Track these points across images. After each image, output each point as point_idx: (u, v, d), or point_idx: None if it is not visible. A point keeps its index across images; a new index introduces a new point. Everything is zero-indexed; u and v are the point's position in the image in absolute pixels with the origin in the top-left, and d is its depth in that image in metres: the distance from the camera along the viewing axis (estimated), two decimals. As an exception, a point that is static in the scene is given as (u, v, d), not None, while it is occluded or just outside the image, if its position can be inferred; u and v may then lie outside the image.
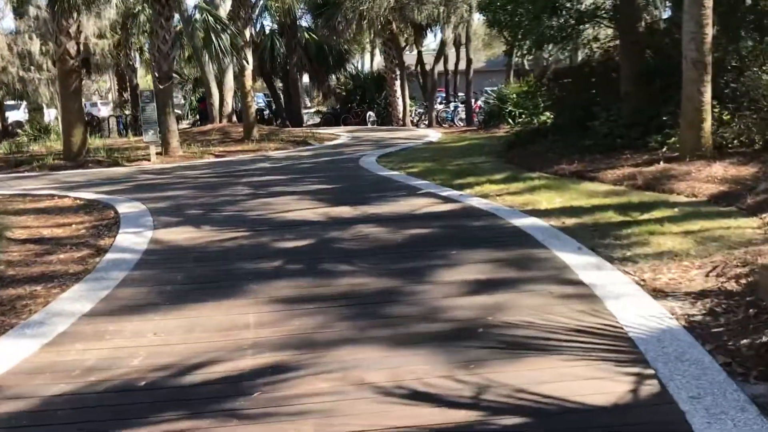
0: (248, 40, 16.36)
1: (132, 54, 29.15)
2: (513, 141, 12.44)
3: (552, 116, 12.65)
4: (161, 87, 14.33)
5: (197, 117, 30.90)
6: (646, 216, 6.59)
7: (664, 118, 10.05)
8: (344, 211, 7.53)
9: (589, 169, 9.27)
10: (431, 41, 36.55)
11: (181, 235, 6.69)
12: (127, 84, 28.80)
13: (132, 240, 6.55)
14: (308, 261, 5.49)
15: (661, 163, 8.78)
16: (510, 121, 17.82)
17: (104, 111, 41.14)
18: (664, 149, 9.48)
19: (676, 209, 6.79)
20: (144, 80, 48.72)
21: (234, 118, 29.59)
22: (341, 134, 19.93)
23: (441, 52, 22.18)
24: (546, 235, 6.02)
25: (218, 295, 4.71)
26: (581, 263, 5.11)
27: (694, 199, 7.30)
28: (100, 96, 42.28)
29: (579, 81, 12.18)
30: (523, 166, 10.38)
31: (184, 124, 31.71)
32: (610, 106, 11.22)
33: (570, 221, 6.53)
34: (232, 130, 18.58)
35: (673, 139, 9.52)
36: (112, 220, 7.69)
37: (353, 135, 19.57)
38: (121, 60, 27.35)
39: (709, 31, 8.66)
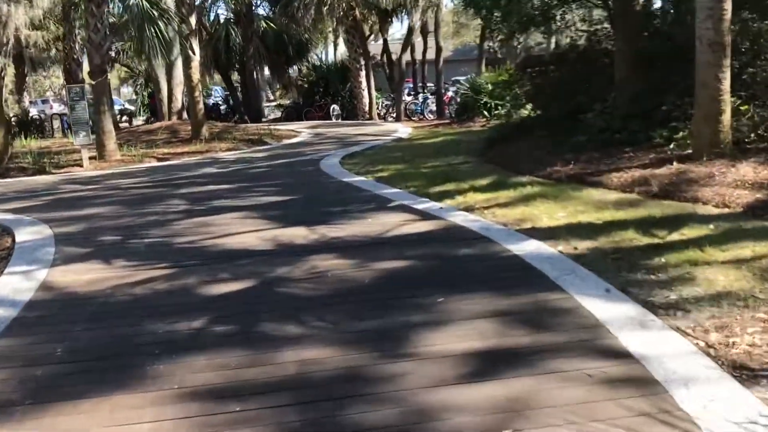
0: (194, 28, 14.68)
1: (76, 47, 27.11)
2: (493, 137, 11.04)
3: (535, 109, 11.26)
4: (93, 82, 12.60)
5: (149, 114, 29.01)
6: (676, 236, 5.23)
7: (669, 109, 8.74)
8: (298, 234, 6.03)
9: (589, 171, 7.89)
10: (397, 29, 35.15)
11: (83, 275, 5.13)
12: (72, 79, 26.73)
13: (15, 285, 4.97)
14: (242, 318, 4.00)
15: (674, 163, 7.43)
16: (486, 113, 16.44)
17: (57, 108, 38.81)
18: (672, 146, 8.15)
19: (710, 225, 5.43)
20: (95, 75, 46.45)
21: (185, 115, 27.76)
22: (302, 130, 18.34)
23: (408, 40, 20.72)
24: (558, 268, 4.60)
25: (105, 383, 3.25)
26: (617, 317, 3.72)
27: (726, 210, 5.96)
28: (53, 92, 39.90)
29: (566, 68, 10.82)
30: (509, 168, 8.98)
31: (139, 121, 29.74)
32: (604, 96, 9.88)
33: (583, 245, 5.14)
34: (181, 129, 16.87)
35: (681, 133, 8.19)
36: (3, 252, 6.07)
37: (315, 131, 18.01)
38: (65, 54, 25.26)
39: (729, 6, 7.32)
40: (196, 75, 14.87)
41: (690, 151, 7.79)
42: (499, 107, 16.43)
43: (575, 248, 5.09)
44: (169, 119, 19.16)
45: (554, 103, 10.33)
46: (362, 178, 9.24)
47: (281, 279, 4.73)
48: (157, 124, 18.82)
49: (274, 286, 4.60)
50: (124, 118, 34.18)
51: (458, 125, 16.50)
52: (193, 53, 14.72)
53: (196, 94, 14.97)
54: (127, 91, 45.41)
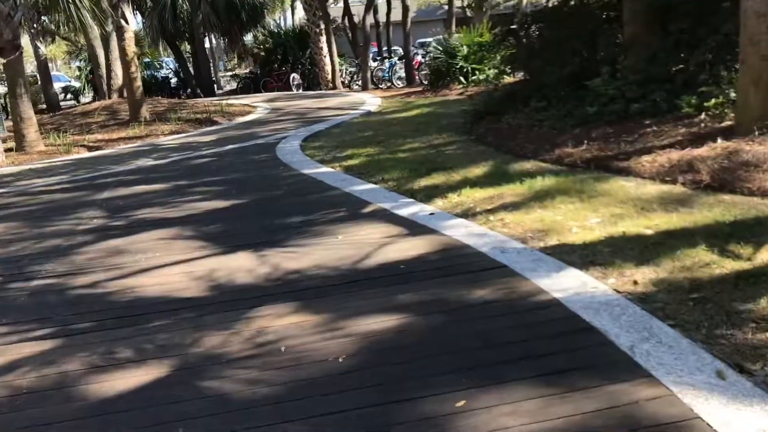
0: (125, -8, 12.70)
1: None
2: (479, 110, 9.41)
3: (526, 74, 9.63)
4: (5, 60, 10.62)
5: (94, 92, 26.67)
6: (766, 254, 3.73)
7: (695, 70, 7.23)
8: (241, 266, 4.39)
9: (610, 153, 6.34)
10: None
11: None
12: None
13: None
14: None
15: (718, 140, 5.91)
16: (462, 80, 14.77)
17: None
18: (703, 116, 6.65)
19: (810, 235, 3.95)
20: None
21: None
22: (259, 105, 16.49)
23: (372, 0, 18.84)
24: (626, 326, 3.07)
25: None
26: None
27: (816, 207, 4.48)
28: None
29: (562, 25, 9.19)
30: (506, 150, 7.40)
31: (87, 99, 27.29)
32: (612, 57, 8.33)
33: (643, 276, 3.62)
34: (121, 109, 14.90)
35: (714, 100, 6.68)
36: None
37: (273, 105, 16.17)
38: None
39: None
40: (131, 48, 12.89)
41: (730, 122, 6.29)
42: (477, 72, 14.78)
43: (635, 282, 3.55)
44: (109, 98, 17.10)
45: (550, 68, 8.71)
46: (328, 168, 7.58)
47: (209, 361, 3.11)
48: (96, 105, 16.78)
49: (196, 377, 2.97)
50: (68, 96, 31.72)
51: (432, 94, 14.81)
52: (126, 22, 12.73)
53: (132, 69, 13.01)
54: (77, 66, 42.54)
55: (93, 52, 18.58)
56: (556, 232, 4.48)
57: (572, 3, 9.67)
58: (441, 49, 15.26)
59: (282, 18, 43.95)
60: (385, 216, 5.31)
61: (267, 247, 4.71)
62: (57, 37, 30.39)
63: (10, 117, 11.43)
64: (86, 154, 10.67)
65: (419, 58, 20.10)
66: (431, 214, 5.26)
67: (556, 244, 4.27)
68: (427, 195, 5.86)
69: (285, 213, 5.67)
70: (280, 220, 5.48)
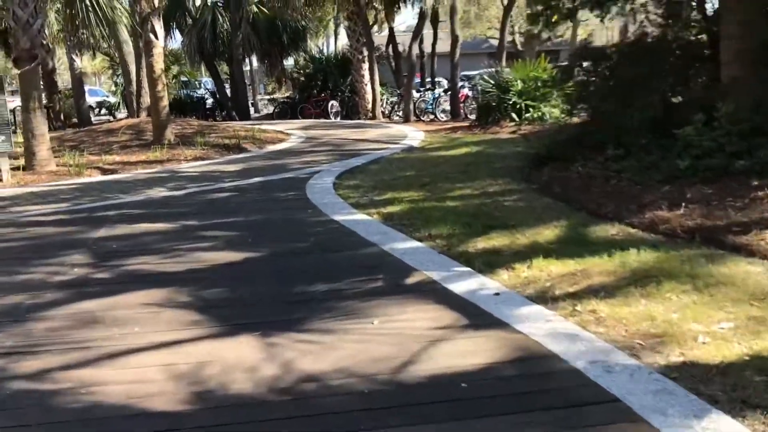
0: (157, 6, 11.82)
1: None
2: (541, 154, 8.19)
3: (596, 115, 8.37)
4: (19, 71, 9.75)
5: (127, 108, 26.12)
6: None
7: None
8: (242, 359, 3.22)
9: (720, 222, 5.05)
10: (404, 19, 32.07)
11: None
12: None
13: None
14: None
15: None
16: (515, 116, 13.56)
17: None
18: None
19: None
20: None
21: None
22: (293, 132, 15.49)
23: (420, 27, 17.84)
24: None
25: None
26: None
27: None
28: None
29: (640, 63, 7.95)
30: (579, 206, 6.15)
31: (123, 115, 26.62)
32: (705, 102, 7.06)
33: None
34: (147, 128, 13.99)
35: None
36: None
37: (309, 134, 15.15)
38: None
39: None
40: (158, 64, 12.00)
41: None
42: (531, 110, 13.57)
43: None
44: (138, 116, 16.28)
45: (628, 111, 7.46)
46: (363, 215, 6.39)
47: None
48: (122, 122, 15.96)
49: None
50: (103, 111, 31.33)
51: (481, 130, 13.62)
52: (156, 37, 11.85)
53: (159, 87, 12.09)
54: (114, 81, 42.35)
55: (126, 68, 17.87)
56: (675, 340, 3.22)
57: (650, 40, 8.43)
58: (493, 82, 14.10)
59: (325, 44, 43.45)
60: (435, 292, 4.10)
61: (279, 331, 3.53)
62: (97, 51, 30.14)
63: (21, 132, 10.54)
64: (98, 178, 9.69)
65: (465, 91, 18.98)
66: (496, 294, 4.02)
67: (682, 362, 3.01)
68: (488, 263, 4.63)
69: (308, 277, 4.49)
70: (301, 287, 4.29)
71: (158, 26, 11.85)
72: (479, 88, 15.24)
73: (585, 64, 8.57)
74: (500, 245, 5.07)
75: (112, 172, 10.14)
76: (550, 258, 4.60)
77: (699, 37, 7.80)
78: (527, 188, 7.22)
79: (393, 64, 26.00)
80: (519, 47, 25.99)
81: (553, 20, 8.24)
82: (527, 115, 13.43)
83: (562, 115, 8.83)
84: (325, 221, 6.22)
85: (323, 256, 5.02)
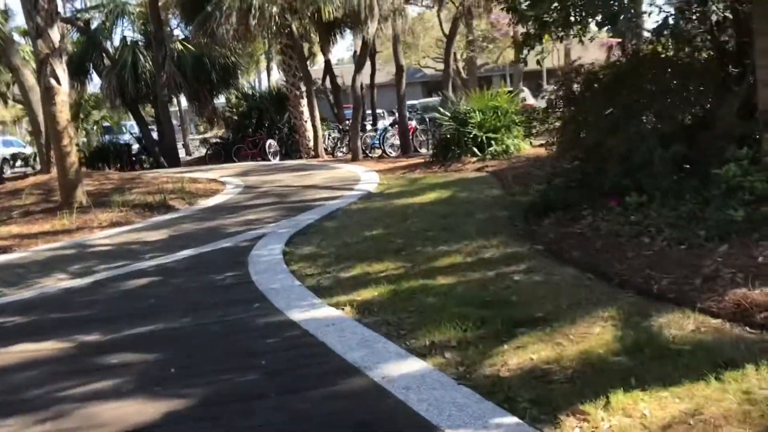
0: (57, 46, 9.95)
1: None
2: (536, 202, 6.73)
3: (590, 149, 6.95)
4: None
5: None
6: None
7: None
8: None
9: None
10: (336, 52, 30.69)
11: None
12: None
13: None
14: None
15: None
16: (476, 151, 12.17)
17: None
18: None
19: None
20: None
21: (81, 168, 22.57)
22: (229, 180, 13.70)
23: (363, 56, 16.42)
24: None
25: None
26: None
27: None
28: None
29: (647, 84, 6.63)
30: (617, 279, 4.65)
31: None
32: (734, 133, 5.77)
33: None
34: (58, 187, 11.94)
35: None
36: None
37: (247, 181, 13.39)
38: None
39: None
40: (63, 114, 10.08)
41: None
42: (494, 142, 12.23)
43: None
44: (49, 171, 14.18)
45: (641, 144, 6.07)
46: (331, 309, 4.73)
47: None
48: (30, 180, 13.84)
49: None
50: (18, 163, 28.67)
51: (441, 168, 12.16)
52: (57, 82, 9.96)
53: (65, 141, 10.16)
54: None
55: (34, 117, 15.74)
56: None
57: (678, 59, 7.00)
58: (449, 115, 12.72)
59: (257, 80, 41.75)
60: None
61: None
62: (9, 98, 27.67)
63: None
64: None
65: (413, 123, 17.61)
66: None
67: None
68: (539, 401, 3.05)
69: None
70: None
71: (60, 70, 9.97)
72: (434, 121, 13.82)
73: (575, 87, 7.19)
74: (543, 360, 3.50)
75: (4, 250, 8.17)
76: (631, 388, 3.06)
77: (725, 49, 6.51)
78: (533, 251, 5.70)
79: (331, 97, 24.53)
80: (464, 74, 24.97)
81: (544, 41, 6.85)
82: (490, 149, 12.06)
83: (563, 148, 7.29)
84: (280, 324, 4.52)
85: (286, 405, 3.32)
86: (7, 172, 27.90)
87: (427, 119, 18.22)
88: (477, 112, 12.34)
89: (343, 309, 4.71)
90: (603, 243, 5.41)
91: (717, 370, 3.13)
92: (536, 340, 3.76)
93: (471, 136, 12.16)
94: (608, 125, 6.55)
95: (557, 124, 7.63)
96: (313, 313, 4.67)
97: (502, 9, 7.01)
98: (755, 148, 5.46)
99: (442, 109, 13.31)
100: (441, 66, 37.83)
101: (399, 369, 3.58)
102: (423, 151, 17.18)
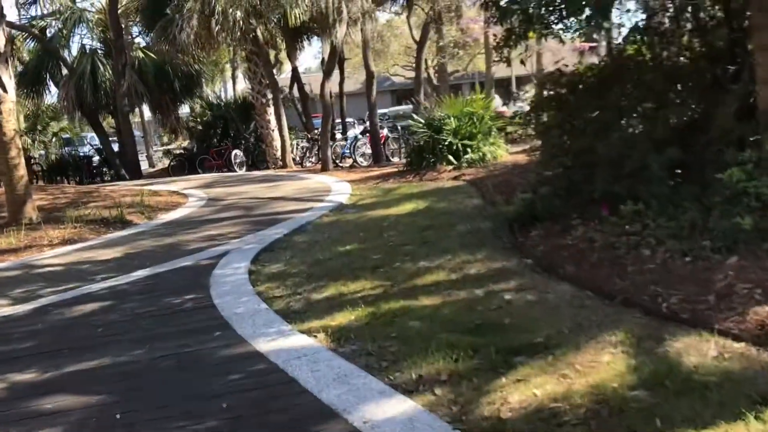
0: (3, 49, 9.22)
1: None
2: (524, 213, 6.29)
3: (577, 155, 6.54)
4: None
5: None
6: None
7: None
8: None
9: None
10: (303, 60, 30.08)
11: None
12: None
13: None
14: None
15: None
16: (452, 159, 11.73)
17: None
18: None
19: None
20: None
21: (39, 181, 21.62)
22: (192, 192, 13.06)
23: (332, 64, 15.91)
24: None
25: None
26: None
27: None
28: None
29: (637, 87, 6.25)
30: (620, 297, 4.20)
31: None
32: (732, 135, 5.41)
33: None
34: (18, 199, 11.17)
35: None
36: None
37: (211, 193, 12.77)
38: None
39: None
40: (9, 124, 9.35)
41: None
42: (470, 150, 11.81)
43: None
44: (-1, 186, 13.34)
45: (632, 149, 5.67)
46: (302, 337, 4.20)
47: None
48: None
49: None
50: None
51: (415, 177, 11.69)
52: (4, 90, 9.26)
53: (13, 154, 9.44)
54: None
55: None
56: None
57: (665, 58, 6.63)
58: (423, 122, 12.27)
59: (222, 89, 40.97)
60: None
61: None
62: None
63: None
64: None
65: (385, 132, 17.14)
66: None
67: None
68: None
69: None
70: None
71: (6, 76, 9.26)
72: (406, 129, 13.35)
73: (563, 91, 6.78)
74: (549, 396, 3.03)
75: (-59, 273, 7.45)
76: (660, 432, 2.59)
77: (715, 46, 6.15)
78: (523, 266, 5.24)
79: (299, 106, 23.96)
80: (435, 81, 24.63)
81: (526, 38, 6.42)
82: (466, 156, 11.64)
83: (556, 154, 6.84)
84: (245, 357, 3.97)
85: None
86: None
87: (399, 127, 17.76)
88: (452, 119, 11.91)
89: (316, 336, 4.18)
90: (599, 256, 4.97)
91: (755, 407, 2.69)
92: (538, 371, 3.29)
93: (446, 143, 11.72)
94: (596, 129, 6.15)
95: (539, 129, 7.20)
96: (283, 342, 4.14)
97: (482, 6, 6.56)
98: (757, 150, 5.09)
99: (416, 116, 12.85)
100: (410, 74, 37.63)
101: (383, 410, 3.07)
102: (395, 160, 16.71)
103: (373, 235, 7.16)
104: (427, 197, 9.24)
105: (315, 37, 21.94)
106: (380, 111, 39.39)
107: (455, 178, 10.86)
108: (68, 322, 5.09)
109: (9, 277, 6.94)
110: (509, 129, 13.41)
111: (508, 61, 6.63)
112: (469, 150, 11.78)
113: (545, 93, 6.91)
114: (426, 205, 8.65)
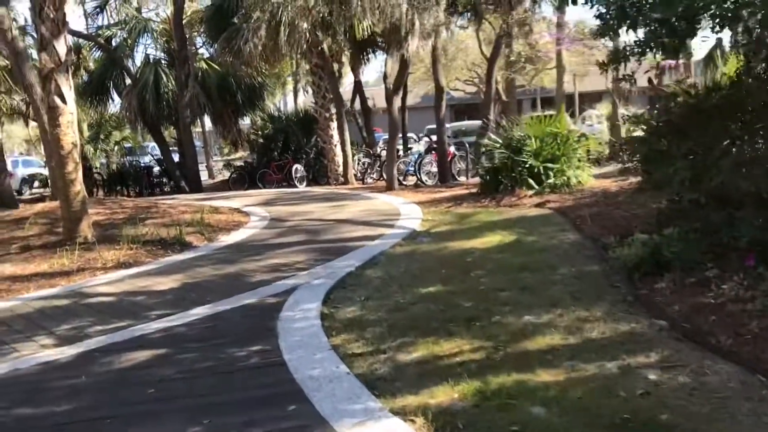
0: (64, 59, 8.77)
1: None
2: (647, 259, 5.32)
3: (721, 187, 5.50)
4: None
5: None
6: None
7: None
8: None
9: None
10: (368, 71, 29.42)
11: None
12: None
13: None
14: None
15: None
16: (532, 182, 10.78)
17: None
18: None
19: None
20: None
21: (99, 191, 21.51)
22: (253, 210, 12.45)
23: (402, 76, 15.15)
24: None
25: None
26: None
27: None
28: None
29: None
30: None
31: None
32: None
33: None
34: (73, 216, 10.73)
35: None
36: None
37: (273, 212, 12.12)
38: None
39: None
40: (67, 137, 8.87)
41: None
42: (552, 173, 10.83)
43: None
44: (56, 197, 13.02)
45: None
46: (397, 423, 3.35)
47: None
48: (37, 208, 12.69)
49: None
50: (36, 184, 27.79)
51: (492, 201, 10.77)
52: (63, 101, 8.78)
53: (69, 168, 8.95)
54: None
55: (46, 138, 14.65)
56: None
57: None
58: (501, 141, 11.35)
59: (281, 101, 40.80)
60: None
61: None
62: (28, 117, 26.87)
63: None
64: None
65: (452, 149, 16.26)
66: None
67: None
68: None
69: None
70: None
71: (66, 87, 8.78)
72: (475, 146, 12.42)
73: (684, 114, 5.79)
74: None
75: (-12, 297, 6.92)
76: None
77: None
78: (659, 331, 4.28)
79: (359, 120, 23.31)
80: (504, 97, 23.65)
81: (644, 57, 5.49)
82: (549, 181, 10.67)
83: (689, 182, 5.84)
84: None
85: None
86: (26, 192, 27.04)
87: (467, 144, 16.86)
88: (533, 139, 10.96)
89: (413, 421, 3.34)
90: (759, 324, 3.98)
91: None
92: None
93: (526, 165, 10.77)
94: (735, 162, 5.15)
95: (653, 157, 6.21)
96: (373, 428, 3.30)
97: (600, 15, 5.62)
98: None
99: (493, 135, 11.93)
100: (470, 89, 36.79)
101: None
102: (462, 179, 15.84)
103: (458, 273, 6.29)
104: (511, 227, 8.31)
105: (378, 51, 21.34)
106: (434, 126, 38.46)
107: (538, 205, 9.89)
108: (116, 377, 4.37)
109: (58, 307, 6.33)
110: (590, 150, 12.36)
111: (633, 80, 5.70)
112: (551, 174, 10.80)
113: (658, 116, 5.92)
114: (513, 237, 7.73)
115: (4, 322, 5.93)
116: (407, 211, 10.73)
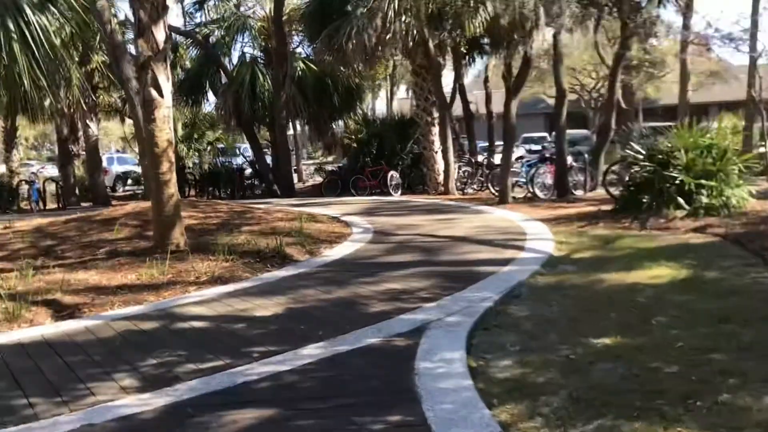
0: (162, 47, 7.93)
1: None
2: None
3: None
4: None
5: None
6: None
7: None
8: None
9: None
10: (476, 71, 27.99)
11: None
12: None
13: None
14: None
15: None
16: (682, 202, 9.20)
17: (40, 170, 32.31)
18: None
19: None
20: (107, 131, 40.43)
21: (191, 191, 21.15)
22: (353, 220, 11.39)
23: (523, 77, 13.81)
24: None
25: None
26: None
27: None
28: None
29: None
30: None
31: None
32: None
33: None
34: (165, 221, 9.97)
35: None
36: None
37: (375, 223, 11.02)
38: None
39: None
40: (163, 133, 8.04)
41: None
42: (706, 192, 9.22)
43: None
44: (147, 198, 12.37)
45: None
46: None
47: None
48: (127, 208, 12.05)
49: None
50: (129, 182, 27.90)
51: (634, 223, 9.26)
52: (159, 94, 7.95)
53: (164, 168, 8.10)
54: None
55: (140, 135, 14.12)
56: None
57: None
58: (644, 153, 9.82)
59: (371, 106, 40.00)
60: None
61: None
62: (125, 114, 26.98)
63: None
64: (34, 331, 5.57)
65: (569, 160, 14.73)
66: None
67: None
68: None
69: None
70: None
71: (163, 78, 7.95)
72: (626, 159, 10.87)
73: None
74: None
75: (72, 314, 6.04)
76: None
77: None
78: None
79: (457, 126, 22.03)
80: (622, 104, 21.81)
81: None
82: (704, 201, 9.06)
83: None
84: None
85: None
86: (120, 189, 27.20)
87: (586, 155, 15.29)
88: (683, 151, 9.38)
89: None
90: None
91: None
92: None
93: (676, 182, 9.21)
94: None
95: None
96: None
97: None
98: None
99: (635, 146, 10.38)
100: (570, 96, 34.88)
101: None
102: (578, 193, 14.30)
103: (634, 320, 4.91)
104: (678, 259, 6.82)
105: (478, 54, 20.10)
106: (533, 135, 36.60)
107: (696, 230, 8.33)
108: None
109: (144, 332, 5.36)
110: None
111: None
112: (704, 192, 9.19)
113: None
114: (687, 272, 6.26)
115: (83, 348, 5.00)
116: (532, 230, 9.37)
